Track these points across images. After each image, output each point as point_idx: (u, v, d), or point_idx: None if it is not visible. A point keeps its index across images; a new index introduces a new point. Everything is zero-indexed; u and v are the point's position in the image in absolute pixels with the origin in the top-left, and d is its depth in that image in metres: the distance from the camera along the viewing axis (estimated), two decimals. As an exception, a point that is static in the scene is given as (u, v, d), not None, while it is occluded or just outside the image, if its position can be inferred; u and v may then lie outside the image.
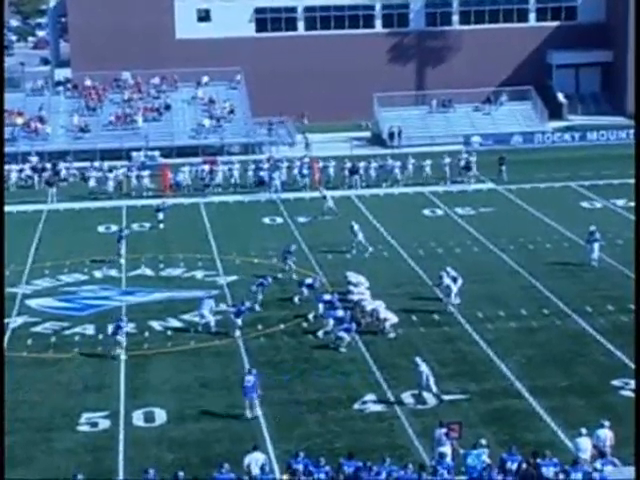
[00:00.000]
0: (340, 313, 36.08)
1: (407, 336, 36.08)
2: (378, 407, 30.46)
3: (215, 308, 37.90)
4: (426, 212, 54.81)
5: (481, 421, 29.04)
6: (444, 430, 26.14)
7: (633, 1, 76.18)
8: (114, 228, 52.01)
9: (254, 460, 25.27)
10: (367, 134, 76.44)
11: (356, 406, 30.54)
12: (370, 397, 31.01)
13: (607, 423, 26.16)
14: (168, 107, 74.65)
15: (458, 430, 26.10)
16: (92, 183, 60.57)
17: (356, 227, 47.11)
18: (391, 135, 73.19)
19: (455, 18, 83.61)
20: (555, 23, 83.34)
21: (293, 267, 43.16)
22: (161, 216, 52.06)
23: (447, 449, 25.61)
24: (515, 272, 43.15)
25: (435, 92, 78.84)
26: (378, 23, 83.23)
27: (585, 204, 55.32)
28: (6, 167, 63.94)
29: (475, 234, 49.47)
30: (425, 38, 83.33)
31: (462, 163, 61.71)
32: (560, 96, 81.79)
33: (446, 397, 30.87)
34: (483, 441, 25.54)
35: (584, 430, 25.88)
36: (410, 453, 27.25)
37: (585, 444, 25.60)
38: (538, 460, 24.51)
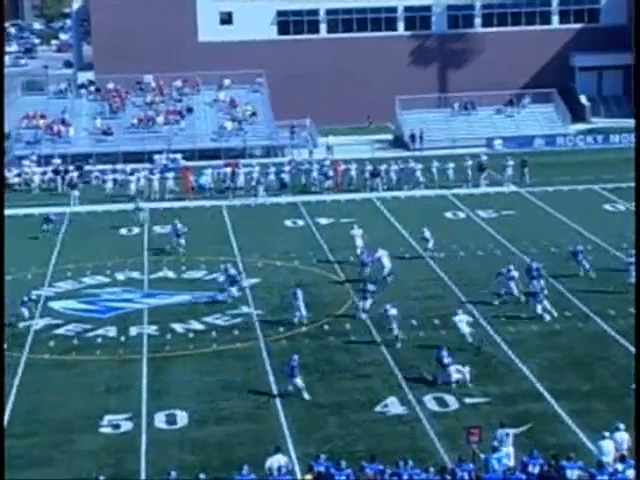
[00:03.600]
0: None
1: (428, 339, 35.99)
2: (399, 410, 30.43)
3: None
4: (448, 215, 54.70)
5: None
6: (505, 430, 26.14)
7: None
8: (136, 230, 52.19)
9: (276, 462, 25.29)
10: (389, 137, 76.40)
11: (377, 409, 30.51)
12: (391, 400, 30.97)
13: (622, 426, 26.04)
14: (190, 110, 74.85)
15: (478, 434, 26.03)
16: (109, 185, 60.79)
17: (178, 225, 48.26)
18: (412, 138, 73.12)
19: (477, 21, 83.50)
20: (578, 25, 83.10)
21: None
22: (48, 227, 51.48)
23: (510, 449, 25.63)
24: (537, 275, 42.95)
25: (457, 95, 78.69)
26: (400, 26, 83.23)
27: (608, 207, 55.08)
28: (29, 170, 64.32)
29: (497, 237, 49.34)
30: (447, 41, 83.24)
31: (476, 164, 61.47)
32: (583, 99, 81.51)
33: (467, 400, 30.82)
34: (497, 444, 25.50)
35: (607, 433, 25.75)
36: (432, 456, 27.19)
37: (608, 447, 25.48)
38: (563, 462, 24.47)
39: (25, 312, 38.49)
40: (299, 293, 38.19)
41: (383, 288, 40.70)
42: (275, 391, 31.92)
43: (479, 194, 59.11)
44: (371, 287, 38.34)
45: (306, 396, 31.23)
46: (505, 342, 35.51)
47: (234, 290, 40.49)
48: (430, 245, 46.13)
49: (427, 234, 46.43)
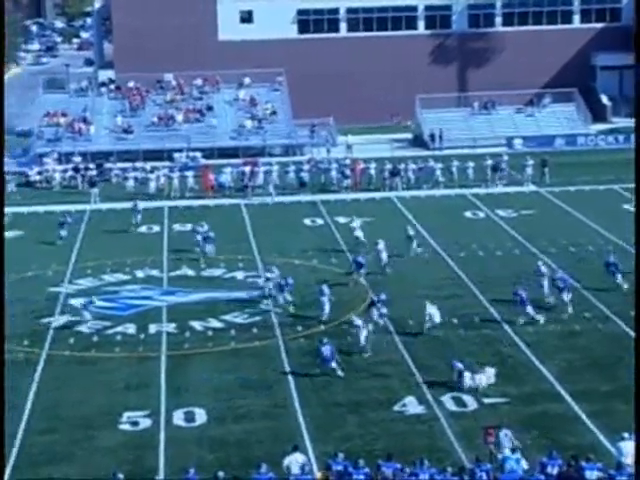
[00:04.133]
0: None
1: (447, 338, 35.99)
2: (417, 409, 30.43)
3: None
4: (467, 214, 54.64)
5: (521, 425, 28.88)
6: (504, 431, 26.21)
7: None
8: (156, 229, 52.31)
9: (294, 461, 25.32)
10: (408, 136, 76.35)
11: (396, 408, 30.52)
12: (410, 399, 30.98)
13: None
14: (210, 108, 74.97)
15: (496, 435, 26.01)
16: (130, 183, 60.96)
17: (199, 229, 47.17)
18: (432, 137, 73.06)
19: (498, 20, 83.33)
20: (599, 25, 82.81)
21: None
22: (64, 233, 49.57)
23: (507, 451, 25.73)
24: (557, 275, 42.86)
25: (477, 94, 78.55)
26: (421, 24, 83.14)
27: (628, 207, 54.83)
28: (50, 167, 64.58)
29: (517, 236, 49.26)
30: (468, 40, 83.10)
31: (491, 163, 61.33)
32: (604, 98, 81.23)
33: (486, 400, 30.79)
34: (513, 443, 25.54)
35: (626, 434, 25.67)
36: (450, 456, 27.19)
37: (628, 448, 25.39)
38: (582, 463, 24.43)
39: (87, 315, 38.10)
40: (325, 289, 38.22)
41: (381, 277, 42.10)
42: (293, 389, 31.98)
43: (498, 194, 59.02)
44: (383, 296, 37.89)
45: (340, 374, 32.50)
46: (524, 342, 35.45)
47: (287, 295, 39.65)
48: (414, 245, 46.03)
49: (411, 232, 46.51)
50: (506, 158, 62.90)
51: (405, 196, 58.66)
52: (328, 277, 42.94)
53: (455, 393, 31.17)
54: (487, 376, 31.68)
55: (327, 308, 37.88)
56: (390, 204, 57.15)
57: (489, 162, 61.48)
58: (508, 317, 37.69)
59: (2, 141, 61.22)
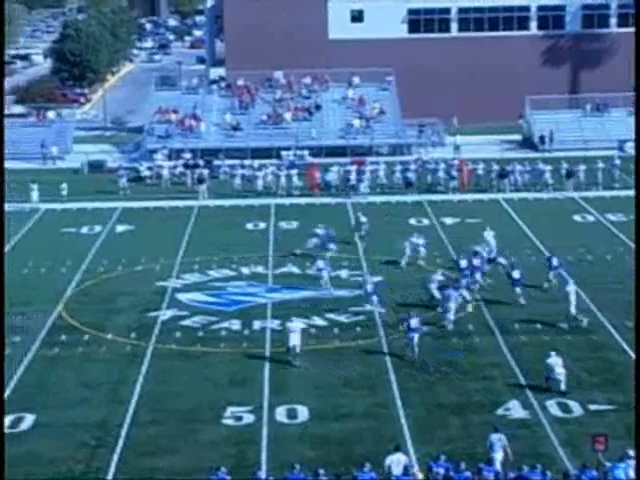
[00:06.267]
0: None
1: (553, 343, 35.48)
2: (521, 413, 30.08)
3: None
4: (576, 218, 53.85)
5: (628, 433, 28.31)
6: (498, 435, 25.98)
7: None
8: (262, 225, 52.67)
9: (395, 461, 25.24)
10: (518, 137, 75.54)
11: (499, 411, 30.22)
12: (513, 403, 30.64)
13: None
14: (318, 107, 75.23)
15: (604, 442, 25.53)
16: (237, 180, 61.47)
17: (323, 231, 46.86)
18: (542, 139, 72.15)
19: (613, 20, 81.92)
20: None
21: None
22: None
23: (500, 455, 25.52)
24: (668, 281, 41.93)
25: (590, 95, 77.34)
26: (533, 25, 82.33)
27: None
28: (158, 163, 65.53)
29: (627, 241, 48.34)
30: (581, 40, 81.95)
31: (566, 168, 60.29)
32: None
33: (592, 407, 30.28)
34: (630, 452, 24.92)
35: None
36: (554, 462, 26.79)
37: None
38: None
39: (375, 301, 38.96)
40: (452, 295, 37.72)
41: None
42: (396, 389, 31.89)
43: (609, 197, 58.03)
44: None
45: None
46: (632, 349, 34.76)
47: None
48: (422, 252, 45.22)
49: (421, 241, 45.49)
50: (618, 162, 61.82)
51: (513, 198, 58.07)
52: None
53: (560, 398, 30.72)
54: None
55: (452, 316, 37.34)
56: (497, 206, 56.62)
57: (600, 165, 60.51)
58: (616, 322, 37.03)
59: (2, 141, 61.99)
